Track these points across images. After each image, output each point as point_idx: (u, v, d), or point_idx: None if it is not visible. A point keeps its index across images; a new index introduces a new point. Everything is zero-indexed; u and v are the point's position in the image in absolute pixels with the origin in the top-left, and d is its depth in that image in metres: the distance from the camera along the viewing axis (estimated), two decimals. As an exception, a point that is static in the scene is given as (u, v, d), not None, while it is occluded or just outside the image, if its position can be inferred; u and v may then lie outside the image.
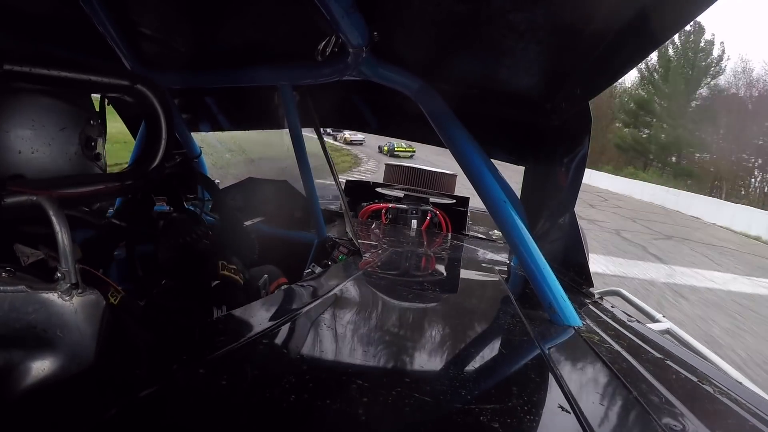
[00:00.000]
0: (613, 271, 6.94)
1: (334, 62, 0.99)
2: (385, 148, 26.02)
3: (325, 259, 1.42)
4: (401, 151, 24.77)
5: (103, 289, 0.70)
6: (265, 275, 1.22)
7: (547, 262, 0.97)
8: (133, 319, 0.74)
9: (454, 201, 2.83)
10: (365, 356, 0.67)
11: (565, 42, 0.91)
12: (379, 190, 2.87)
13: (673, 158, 30.94)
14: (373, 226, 2.30)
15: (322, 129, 1.55)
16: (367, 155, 23.47)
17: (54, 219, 0.59)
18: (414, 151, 25.12)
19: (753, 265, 9.62)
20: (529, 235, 0.99)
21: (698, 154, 29.29)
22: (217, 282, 1.09)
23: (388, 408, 0.52)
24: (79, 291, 0.57)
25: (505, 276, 1.48)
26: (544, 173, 1.48)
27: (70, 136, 0.74)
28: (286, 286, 1.11)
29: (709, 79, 29.23)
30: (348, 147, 27.05)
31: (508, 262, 1.72)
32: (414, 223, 2.55)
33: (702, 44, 28.91)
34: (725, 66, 28.98)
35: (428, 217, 2.61)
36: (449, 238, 2.32)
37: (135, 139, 1.62)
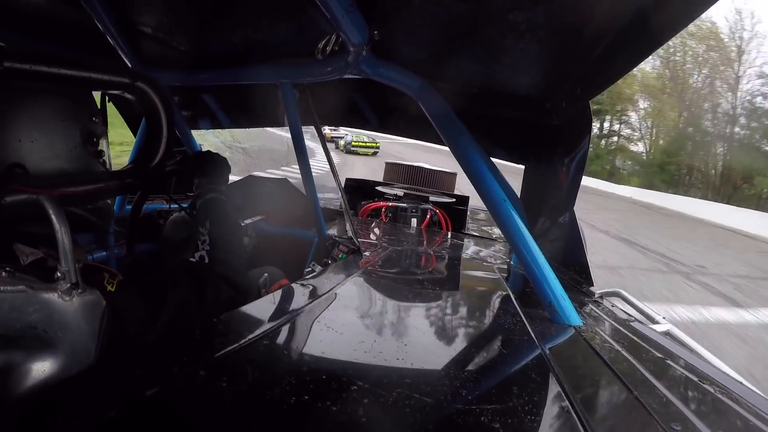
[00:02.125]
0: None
1: (335, 60, 0.99)
2: (342, 143, 19.73)
3: (325, 257, 1.42)
4: (360, 146, 19.21)
5: (98, 277, 0.71)
6: (266, 274, 1.22)
7: (547, 261, 0.97)
8: (132, 303, 0.74)
9: (454, 200, 2.83)
10: (365, 356, 0.67)
11: (565, 41, 0.91)
12: (379, 188, 2.87)
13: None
14: (373, 224, 2.30)
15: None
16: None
17: (54, 218, 0.59)
18: (378, 147, 19.54)
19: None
20: (529, 234, 0.99)
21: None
22: (201, 201, 1.03)
23: (389, 409, 0.52)
24: (79, 291, 0.57)
25: (505, 275, 1.48)
26: (544, 172, 1.48)
27: (71, 129, 0.74)
28: (286, 286, 1.11)
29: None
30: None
31: (508, 260, 1.72)
32: (414, 221, 2.55)
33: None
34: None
35: (428, 216, 2.61)
36: (449, 236, 2.32)
37: (135, 137, 1.62)
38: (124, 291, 0.74)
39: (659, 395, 0.65)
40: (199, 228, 0.96)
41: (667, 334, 1.24)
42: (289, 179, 1.95)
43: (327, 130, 23.31)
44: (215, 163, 1.11)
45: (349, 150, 19.37)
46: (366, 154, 19.26)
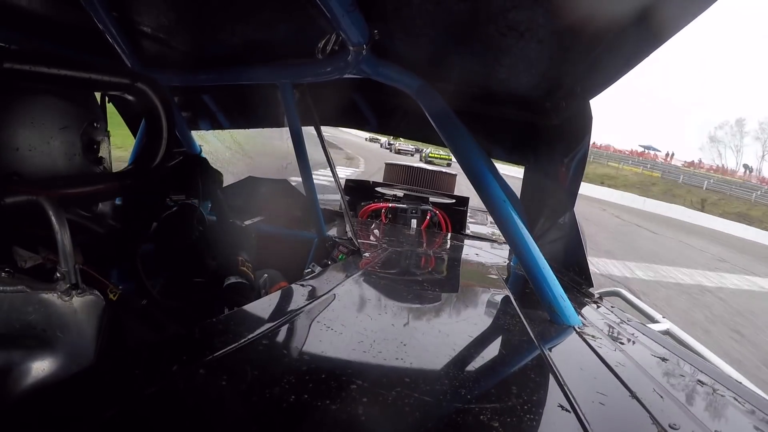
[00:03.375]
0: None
1: (335, 60, 0.99)
2: (423, 155, 25.05)
3: (324, 258, 1.42)
4: (435, 158, 23.38)
5: (100, 287, 0.70)
6: (266, 275, 1.22)
7: (547, 262, 0.97)
8: (133, 315, 0.74)
9: (454, 201, 2.83)
10: (365, 356, 0.67)
11: (565, 41, 0.91)
12: (379, 189, 2.87)
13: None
14: (373, 225, 2.30)
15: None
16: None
17: (54, 219, 0.59)
18: (451, 159, 22.47)
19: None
20: (529, 235, 0.98)
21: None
22: (230, 281, 1.10)
23: (388, 408, 0.52)
24: (79, 291, 0.57)
25: (505, 276, 1.48)
26: (544, 173, 1.48)
27: (71, 137, 0.73)
28: (285, 286, 1.12)
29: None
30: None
31: (507, 261, 1.72)
32: (414, 222, 2.56)
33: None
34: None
35: (428, 217, 2.61)
36: (449, 237, 2.32)
37: (135, 137, 1.62)
38: (126, 304, 0.74)
39: (658, 395, 0.65)
40: (224, 308, 1.00)
41: (667, 333, 1.24)
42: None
43: (397, 145, 27.13)
44: (246, 239, 1.17)
45: (427, 160, 23.37)
46: (441, 165, 23.33)
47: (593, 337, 0.88)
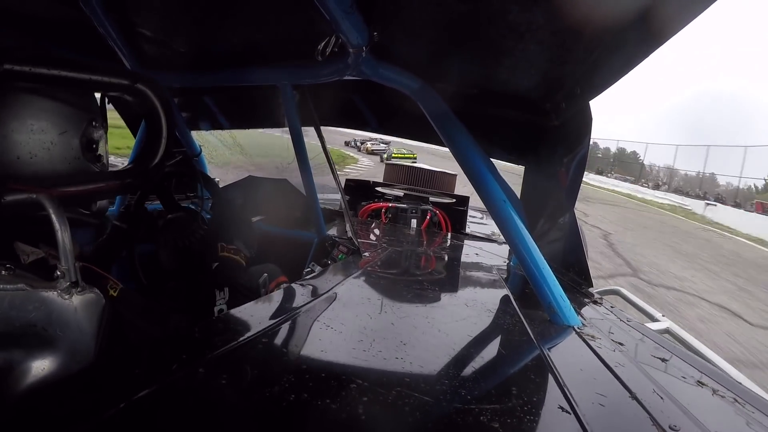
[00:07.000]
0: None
1: (334, 62, 0.99)
2: (385, 156, 23.12)
3: (324, 258, 1.42)
4: (399, 157, 21.58)
5: (101, 282, 0.71)
6: (265, 274, 1.22)
7: (547, 262, 0.97)
8: (133, 310, 0.75)
9: (454, 200, 2.83)
10: (365, 355, 0.67)
11: (565, 42, 0.91)
12: (378, 189, 2.87)
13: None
14: (373, 225, 2.30)
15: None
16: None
17: (54, 217, 0.59)
18: (415, 158, 21.87)
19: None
20: (529, 235, 0.99)
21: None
22: (217, 264, 1.11)
23: (388, 408, 0.52)
24: (79, 289, 0.57)
25: (505, 276, 1.48)
26: (544, 173, 1.48)
27: (71, 140, 0.73)
28: (285, 285, 1.12)
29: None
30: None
31: (507, 261, 1.72)
32: (414, 222, 2.55)
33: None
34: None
35: (428, 217, 2.61)
36: (449, 237, 2.32)
37: (135, 137, 1.62)
38: (126, 299, 0.75)
39: (658, 395, 0.65)
40: (215, 290, 1.01)
41: (667, 331, 1.24)
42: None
43: (368, 144, 25.44)
44: (240, 225, 1.18)
45: (388, 162, 22.70)
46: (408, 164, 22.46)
47: (593, 337, 0.88)
